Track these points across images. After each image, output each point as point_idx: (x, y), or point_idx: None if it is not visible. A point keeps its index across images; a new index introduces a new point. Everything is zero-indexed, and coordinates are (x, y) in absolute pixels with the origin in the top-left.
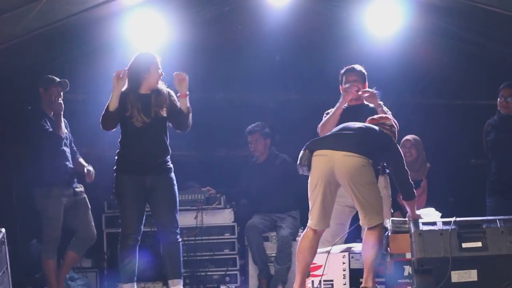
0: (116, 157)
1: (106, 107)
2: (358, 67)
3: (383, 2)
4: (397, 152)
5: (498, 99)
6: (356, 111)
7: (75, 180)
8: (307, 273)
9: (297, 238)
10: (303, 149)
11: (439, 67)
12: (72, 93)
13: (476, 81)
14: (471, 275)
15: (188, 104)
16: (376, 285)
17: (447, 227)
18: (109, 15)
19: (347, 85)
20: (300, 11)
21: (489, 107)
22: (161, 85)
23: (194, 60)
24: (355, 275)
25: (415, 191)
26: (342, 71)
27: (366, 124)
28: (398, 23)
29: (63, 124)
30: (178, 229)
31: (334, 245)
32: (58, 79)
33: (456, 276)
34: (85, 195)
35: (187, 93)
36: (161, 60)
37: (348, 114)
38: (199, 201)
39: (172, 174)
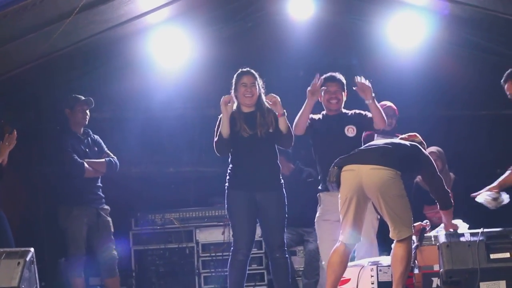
0: (227, 175)
1: (218, 134)
2: (338, 75)
3: (406, 14)
4: (428, 162)
5: None
6: (336, 120)
7: (102, 200)
8: (336, 287)
9: None
10: (332, 166)
11: (463, 78)
12: (97, 112)
13: (500, 92)
14: (500, 286)
15: (287, 123)
16: None
17: (475, 238)
18: (133, 33)
19: (310, 86)
20: (323, 26)
21: None
22: (264, 103)
23: (218, 76)
24: None
25: (452, 200)
26: (323, 77)
27: (394, 140)
28: (421, 35)
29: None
30: (285, 247)
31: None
32: (83, 97)
33: (485, 287)
34: (109, 218)
35: (284, 112)
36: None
37: (329, 123)
38: (226, 216)
39: (283, 191)
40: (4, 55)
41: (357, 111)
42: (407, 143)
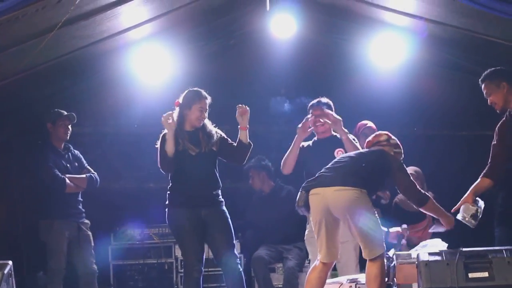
0: (168, 192)
1: (163, 152)
2: (322, 99)
3: (387, 34)
4: (399, 167)
5: None
6: (326, 143)
7: (83, 214)
8: None
9: (303, 269)
10: (300, 190)
11: (443, 98)
12: (77, 126)
13: (480, 112)
14: None
15: (247, 137)
16: None
17: (454, 257)
18: (115, 49)
19: (301, 124)
20: (305, 44)
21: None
22: (209, 125)
23: None
24: None
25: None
26: (309, 104)
27: (358, 151)
28: (401, 55)
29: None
30: (238, 259)
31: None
32: (65, 113)
33: None
34: (90, 232)
35: (247, 126)
36: (183, 95)
37: (319, 147)
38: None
39: (224, 207)
40: None
41: None
42: (373, 149)
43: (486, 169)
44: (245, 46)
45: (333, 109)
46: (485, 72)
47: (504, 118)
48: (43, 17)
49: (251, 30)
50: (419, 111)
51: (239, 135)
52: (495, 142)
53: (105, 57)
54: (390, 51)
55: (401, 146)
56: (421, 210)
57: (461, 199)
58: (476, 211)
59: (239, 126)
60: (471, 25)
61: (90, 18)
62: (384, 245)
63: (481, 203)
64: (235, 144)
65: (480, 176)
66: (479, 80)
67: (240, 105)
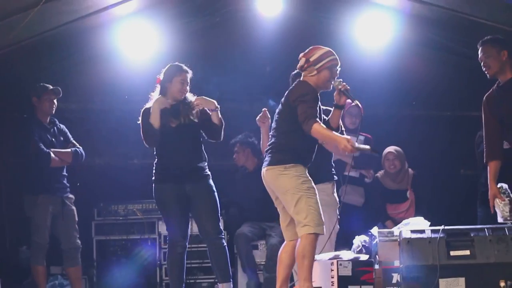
0: (153, 168)
1: (149, 125)
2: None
3: (373, 14)
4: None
5: None
6: None
7: (67, 189)
8: (288, 279)
9: None
10: None
11: (428, 79)
12: (62, 102)
13: (465, 92)
14: (459, 283)
15: (220, 116)
16: None
17: (436, 235)
18: (100, 25)
19: (258, 116)
20: (291, 23)
21: (479, 118)
22: (190, 98)
23: None
24: (343, 282)
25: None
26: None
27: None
28: (387, 34)
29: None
30: (222, 234)
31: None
32: (51, 87)
33: (444, 284)
34: (74, 207)
35: (216, 107)
36: (164, 71)
37: None
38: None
39: (211, 181)
40: None
41: (325, 108)
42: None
43: (487, 151)
44: (231, 24)
45: None
46: (489, 36)
47: (490, 91)
48: None
49: (237, 8)
50: (404, 91)
51: (211, 117)
52: (486, 120)
53: (90, 33)
54: (375, 30)
55: (324, 55)
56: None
57: (489, 195)
58: (510, 202)
59: (208, 110)
60: (458, 5)
61: None
62: (323, 227)
63: (505, 186)
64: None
65: (486, 161)
66: (481, 41)
67: (195, 100)
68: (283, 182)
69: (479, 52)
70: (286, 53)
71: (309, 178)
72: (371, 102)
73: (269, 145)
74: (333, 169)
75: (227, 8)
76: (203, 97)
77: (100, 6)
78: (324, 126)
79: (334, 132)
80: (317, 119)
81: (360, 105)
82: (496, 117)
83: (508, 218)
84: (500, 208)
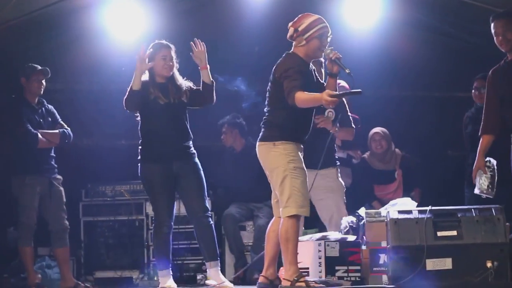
0: (139, 147)
1: (129, 88)
2: None
3: None
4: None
5: (473, 91)
6: None
7: (55, 170)
8: (276, 257)
9: None
10: None
11: (416, 59)
12: (50, 83)
13: (453, 73)
14: (446, 263)
15: (210, 76)
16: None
17: (423, 215)
18: (87, 5)
19: None
20: (278, 3)
21: (466, 99)
22: (179, 78)
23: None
24: (331, 263)
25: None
26: None
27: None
28: (375, 15)
29: None
30: (209, 212)
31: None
32: (39, 67)
33: (431, 264)
34: (62, 188)
35: (207, 65)
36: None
37: None
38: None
39: (197, 159)
40: None
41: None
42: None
43: (483, 124)
44: (220, 4)
45: None
46: (504, 10)
47: (496, 66)
48: None
49: None
50: (392, 72)
51: (201, 76)
52: (488, 94)
53: (78, 13)
54: (364, 10)
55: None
56: (296, 105)
57: (474, 166)
58: (491, 177)
59: (199, 67)
60: None
61: None
62: (306, 209)
63: (493, 161)
64: (201, 88)
65: (481, 134)
66: (496, 15)
67: (197, 49)
68: (271, 159)
69: (494, 27)
70: (275, 33)
71: (299, 157)
72: (359, 83)
73: (262, 121)
74: (336, 154)
75: None
76: (200, 50)
77: None
78: (306, 92)
79: (313, 93)
80: (299, 88)
81: (351, 74)
82: (497, 92)
83: (484, 192)
84: (480, 180)
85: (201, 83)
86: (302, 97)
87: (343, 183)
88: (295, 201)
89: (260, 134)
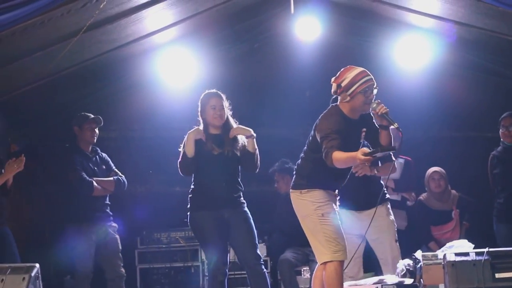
0: (189, 196)
1: (182, 153)
2: None
3: (412, 36)
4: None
5: (500, 130)
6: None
7: (110, 218)
8: None
9: None
10: None
11: (468, 100)
12: (104, 130)
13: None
14: None
15: (255, 145)
16: None
17: (480, 257)
18: (140, 53)
19: None
20: (329, 47)
21: None
22: (231, 123)
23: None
24: None
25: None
26: None
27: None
28: (426, 57)
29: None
30: (262, 260)
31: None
32: (92, 116)
33: None
34: (117, 235)
35: (252, 135)
36: (224, 98)
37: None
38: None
39: (247, 208)
40: (10, 73)
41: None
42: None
43: None
44: (270, 49)
45: None
46: None
47: None
48: (68, 21)
49: (275, 33)
50: (444, 112)
51: (246, 145)
52: None
53: (130, 61)
54: (414, 53)
55: (356, 77)
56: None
57: None
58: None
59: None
60: (496, 26)
61: (114, 22)
62: (342, 253)
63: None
64: (242, 155)
65: None
66: (507, 114)
67: (233, 128)
68: (300, 208)
69: None
70: (326, 78)
71: (328, 202)
72: (410, 124)
73: (295, 167)
74: (385, 190)
75: (265, 34)
76: (239, 126)
77: (140, 34)
78: (342, 152)
79: (349, 153)
80: (336, 149)
81: (399, 128)
82: None
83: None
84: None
85: (244, 151)
86: (339, 157)
87: (394, 220)
88: (329, 247)
89: (292, 181)
